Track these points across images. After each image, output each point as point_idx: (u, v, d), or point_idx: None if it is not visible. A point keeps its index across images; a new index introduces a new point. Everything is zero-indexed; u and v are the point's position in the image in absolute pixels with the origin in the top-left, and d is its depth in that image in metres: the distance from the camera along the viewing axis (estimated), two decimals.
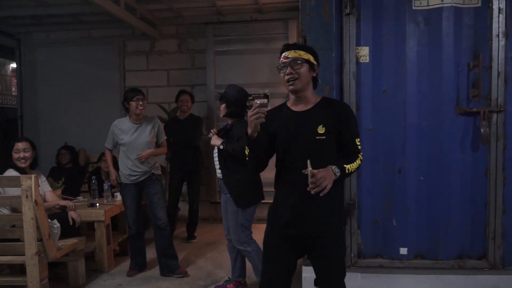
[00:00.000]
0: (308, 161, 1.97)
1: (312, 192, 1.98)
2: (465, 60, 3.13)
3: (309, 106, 2.25)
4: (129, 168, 3.93)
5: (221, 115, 3.50)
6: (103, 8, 4.74)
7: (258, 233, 5.37)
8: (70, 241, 3.71)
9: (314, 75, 2.27)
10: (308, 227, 2.21)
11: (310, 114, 2.23)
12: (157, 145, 4.09)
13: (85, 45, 6.41)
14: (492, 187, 3.17)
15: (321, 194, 1.98)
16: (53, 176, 5.21)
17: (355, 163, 2.16)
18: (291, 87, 2.20)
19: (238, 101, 3.43)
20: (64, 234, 3.65)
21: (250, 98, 5.65)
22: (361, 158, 2.23)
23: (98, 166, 5.17)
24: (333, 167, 2.05)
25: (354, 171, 2.18)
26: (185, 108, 5.16)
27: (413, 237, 3.26)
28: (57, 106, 6.45)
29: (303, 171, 1.99)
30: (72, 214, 3.73)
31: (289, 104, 2.32)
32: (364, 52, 3.20)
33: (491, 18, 3.07)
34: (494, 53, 3.08)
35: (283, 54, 2.24)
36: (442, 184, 3.21)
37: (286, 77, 2.20)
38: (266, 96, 5.74)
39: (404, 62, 3.17)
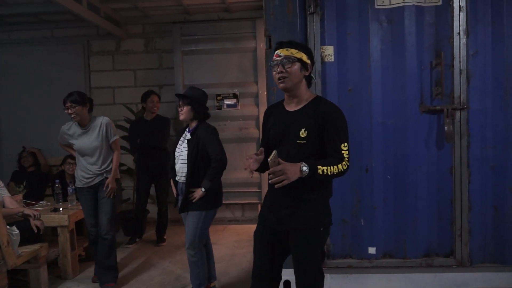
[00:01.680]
0: (275, 152, 2.00)
1: (270, 182, 2.03)
2: (427, 58, 3.17)
3: (300, 106, 2.27)
4: (81, 170, 3.84)
5: (183, 118, 3.36)
6: (65, 8, 4.64)
7: (229, 234, 5.46)
8: (31, 248, 3.63)
9: (307, 74, 2.28)
10: (281, 223, 2.26)
11: (297, 116, 2.25)
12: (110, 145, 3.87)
13: (48, 45, 6.26)
14: (457, 184, 3.23)
15: (276, 186, 2.03)
16: (16, 181, 5.08)
17: (334, 167, 2.12)
18: (281, 85, 2.24)
19: (203, 102, 3.43)
20: (26, 241, 3.57)
21: (219, 98, 5.76)
22: (347, 164, 2.16)
23: (62, 170, 5.05)
24: (302, 164, 2.05)
25: (332, 175, 2.12)
26: (156, 109, 5.13)
27: (381, 236, 3.30)
28: (19, 107, 6.29)
29: (269, 159, 2.01)
30: (35, 222, 3.66)
31: (284, 101, 2.36)
32: (329, 52, 3.23)
33: (452, 16, 3.12)
34: (456, 51, 3.14)
35: (276, 52, 2.26)
36: (409, 182, 3.25)
37: (277, 76, 2.22)
38: (235, 96, 5.72)
39: (369, 61, 3.21)
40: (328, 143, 2.18)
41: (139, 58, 6.15)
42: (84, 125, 3.79)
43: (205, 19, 5.90)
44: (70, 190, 4.48)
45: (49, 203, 4.56)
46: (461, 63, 3.15)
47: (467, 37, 3.15)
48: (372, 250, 3.29)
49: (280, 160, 2.02)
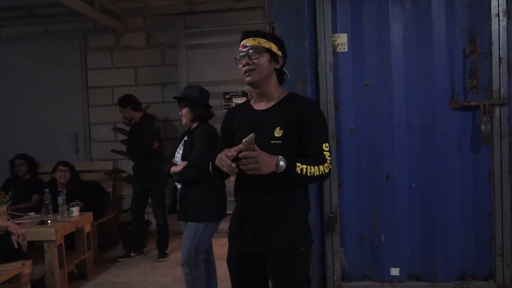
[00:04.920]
0: (252, 134, 1.83)
1: (240, 167, 1.87)
2: (460, 45, 2.98)
3: (271, 104, 2.13)
4: None
5: (184, 122, 3.30)
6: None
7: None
8: (12, 266, 3.45)
9: (278, 67, 2.13)
10: (253, 245, 2.07)
11: (269, 114, 2.11)
12: None
13: (42, 41, 6.18)
14: (497, 194, 3.01)
15: (247, 172, 1.87)
16: (6, 189, 5.00)
17: (315, 167, 1.96)
18: (247, 78, 2.09)
19: (203, 101, 3.30)
20: (8, 258, 3.44)
21: (227, 96, 5.56)
22: (329, 167, 2.01)
23: (53, 177, 4.91)
24: (280, 158, 1.89)
25: (312, 177, 1.96)
26: (125, 117, 5.08)
27: (405, 255, 3.10)
28: (12, 108, 6.25)
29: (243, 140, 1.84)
30: (17, 239, 3.51)
31: (252, 101, 2.21)
32: (342, 40, 3.05)
33: None
34: (494, 36, 2.91)
35: (241, 43, 2.12)
36: (438, 191, 3.06)
37: (243, 69, 2.08)
38: (244, 94, 5.54)
39: (389, 51, 3.03)
40: (307, 142, 2.04)
41: (140, 54, 6.02)
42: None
43: (211, 9, 5.72)
44: (60, 200, 4.33)
45: (38, 215, 4.42)
46: (500, 51, 2.91)
47: (508, 19, 2.91)
48: (395, 272, 3.09)
49: (256, 147, 1.86)
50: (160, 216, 4.94)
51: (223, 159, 1.92)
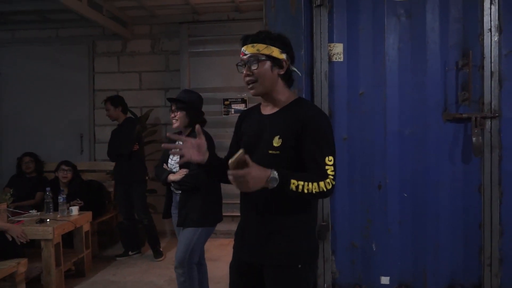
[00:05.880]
0: (241, 150, 1.61)
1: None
2: (453, 58, 2.88)
3: (276, 109, 1.91)
4: None
5: (176, 125, 3.12)
6: (64, 5, 4.49)
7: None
8: (7, 264, 3.36)
9: (282, 72, 1.88)
10: (253, 255, 1.91)
11: (271, 120, 1.90)
12: None
13: (52, 45, 6.18)
14: (487, 205, 2.91)
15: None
16: (12, 186, 4.93)
17: (313, 184, 1.70)
18: (250, 91, 1.89)
19: (198, 106, 3.21)
20: (3, 256, 3.38)
21: (226, 103, 5.50)
22: (331, 183, 1.75)
23: (56, 176, 4.84)
24: (272, 172, 1.65)
25: (309, 194, 1.71)
26: (111, 117, 4.94)
27: (396, 263, 2.98)
28: (22, 109, 6.21)
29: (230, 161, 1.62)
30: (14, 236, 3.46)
31: (261, 104, 2.01)
32: (338, 50, 2.95)
33: (482, 10, 2.81)
34: (486, 50, 2.82)
35: (241, 49, 1.91)
36: (429, 201, 2.96)
37: (245, 79, 1.89)
38: (243, 101, 5.47)
39: (384, 61, 2.93)
40: (307, 155, 1.79)
41: (145, 59, 5.99)
42: None
43: (214, 19, 5.72)
44: (61, 198, 4.27)
45: (39, 213, 4.35)
46: (492, 64, 2.82)
47: (500, 34, 2.82)
48: (385, 280, 2.98)
49: (248, 160, 1.62)
50: (144, 217, 4.85)
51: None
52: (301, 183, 1.68)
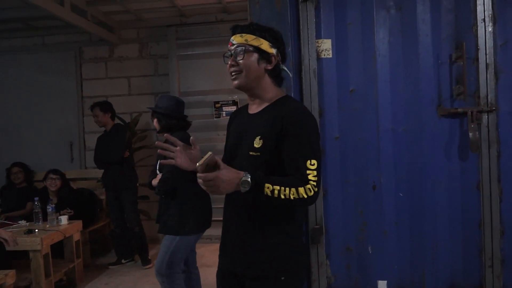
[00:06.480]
0: (209, 154, 1.47)
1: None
2: (446, 51, 2.70)
3: (261, 108, 1.76)
4: None
5: (157, 132, 3.18)
6: (46, 11, 4.31)
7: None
8: None
9: (269, 67, 1.73)
10: (235, 264, 1.76)
11: (255, 120, 1.75)
12: None
13: (39, 53, 6.04)
14: (486, 203, 2.74)
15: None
16: (2, 198, 4.77)
17: (291, 189, 1.54)
18: (234, 82, 1.73)
19: (172, 112, 3.08)
20: None
21: (217, 105, 5.33)
22: (312, 189, 1.57)
23: (44, 186, 4.66)
24: (245, 175, 1.50)
25: (287, 200, 1.54)
26: (99, 124, 4.79)
27: (393, 267, 2.81)
28: (10, 118, 6.07)
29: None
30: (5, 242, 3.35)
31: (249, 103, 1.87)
32: (326, 46, 2.77)
33: (475, 0, 2.63)
34: (481, 41, 2.64)
35: (230, 40, 1.76)
36: (426, 201, 2.78)
37: (229, 70, 1.73)
38: (235, 103, 5.31)
39: (374, 56, 2.75)
40: (287, 158, 1.62)
41: (133, 64, 5.85)
42: None
43: (202, 21, 5.57)
44: (50, 208, 4.10)
45: (28, 223, 4.18)
46: (487, 56, 2.64)
47: (494, 24, 2.65)
48: (382, 284, 2.81)
49: (220, 162, 1.48)
50: (135, 224, 4.70)
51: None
52: (277, 187, 1.53)
